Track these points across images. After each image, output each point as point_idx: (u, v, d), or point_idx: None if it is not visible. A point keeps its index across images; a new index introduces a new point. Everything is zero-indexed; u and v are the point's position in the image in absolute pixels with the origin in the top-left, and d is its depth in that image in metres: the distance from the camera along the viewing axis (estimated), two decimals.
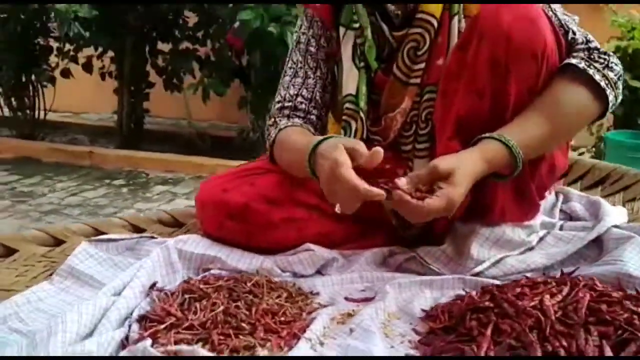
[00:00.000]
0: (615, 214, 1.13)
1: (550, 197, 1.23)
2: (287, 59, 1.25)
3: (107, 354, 0.75)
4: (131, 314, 0.86)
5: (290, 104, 1.19)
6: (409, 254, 1.12)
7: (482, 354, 0.74)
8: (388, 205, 1.18)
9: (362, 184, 0.89)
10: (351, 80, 1.15)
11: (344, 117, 1.16)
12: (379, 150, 0.89)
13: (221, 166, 3.37)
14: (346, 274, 1.08)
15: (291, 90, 1.20)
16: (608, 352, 0.70)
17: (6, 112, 4.18)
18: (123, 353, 0.76)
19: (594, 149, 2.92)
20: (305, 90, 1.20)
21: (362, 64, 1.15)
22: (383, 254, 1.14)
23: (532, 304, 0.79)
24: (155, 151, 3.89)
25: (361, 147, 0.92)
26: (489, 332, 0.77)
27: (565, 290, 0.81)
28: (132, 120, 4.06)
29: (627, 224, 1.11)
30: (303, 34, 1.22)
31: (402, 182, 0.91)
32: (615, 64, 1.03)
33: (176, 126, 4.70)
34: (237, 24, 2.84)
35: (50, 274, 0.98)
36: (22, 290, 0.90)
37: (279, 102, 1.22)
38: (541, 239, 1.12)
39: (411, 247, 1.14)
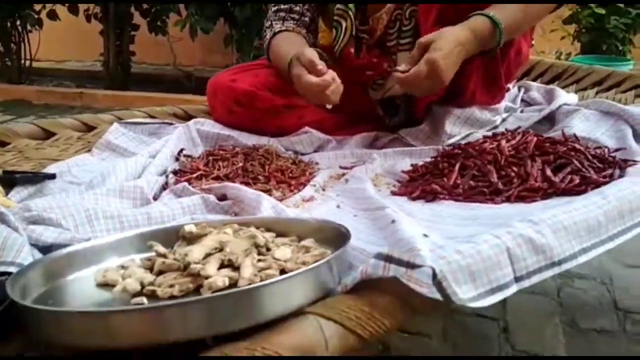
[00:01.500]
0: (566, 97, 1.33)
1: (513, 89, 1.43)
2: None
3: (153, 192, 0.93)
4: (165, 170, 1.04)
5: (286, 6, 1.33)
6: (392, 136, 1.31)
7: (451, 183, 0.94)
8: (374, 96, 1.37)
9: (317, 80, 1.07)
10: None
11: (335, 18, 1.31)
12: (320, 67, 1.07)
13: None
14: (339, 150, 1.26)
15: None
16: (548, 172, 0.90)
17: None
18: (165, 193, 0.95)
19: None
20: None
21: None
22: (370, 137, 1.32)
23: (491, 146, 0.99)
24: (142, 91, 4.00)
25: (312, 56, 1.11)
26: (456, 168, 0.97)
27: (518, 137, 1.01)
28: (118, 63, 4.13)
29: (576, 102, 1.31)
30: None
31: (401, 67, 1.07)
32: None
33: (161, 70, 4.78)
34: None
35: (89, 150, 1.15)
36: None
37: (274, 7, 1.36)
38: (504, 119, 1.31)
39: (394, 131, 1.33)
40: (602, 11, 2.86)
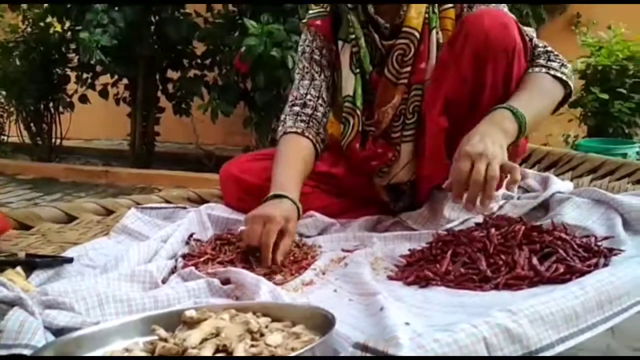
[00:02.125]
0: (560, 184, 1.39)
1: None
2: (295, 68, 1.50)
3: (162, 275, 1.00)
4: (175, 254, 1.11)
5: (300, 101, 1.42)
6: (393, 220, 1.37)
7: (443, 269, 0.99)
8: (380, 182, 1.45)
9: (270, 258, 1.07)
10: (349, 83, 1.39)
11: (343, 115, 1.41)
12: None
13: None
14: (342, 233, 1.32)
15: (301, 90, 1.43)
16: (535, 261, 0.95)
17: (25, 138, 4.49)
18: (173, 276, 1.01)
19: None
20: (313, 90, 1.42)
21: (357, 70, 1.39)
22: (373, 221, 1.39)
23: (481, 234, 1.04)
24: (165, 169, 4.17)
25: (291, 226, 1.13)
26: (448, 254, 1.02)
27: (506, 226, 1.06)
28: (143, 143, 4.34)
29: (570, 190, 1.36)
30: (308, 45, 1.46)
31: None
32: (567, 63, 1.29)
33: (184, 149, 4.99)
34: (243, 49, 3.13)
35: (106, 234, 1.23)
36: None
37: (290, 101, 1.44)
38: (501, 206, 1.37)
39: (395, 215, 1.39)
40: (606, 96, 2.97)
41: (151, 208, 1.31)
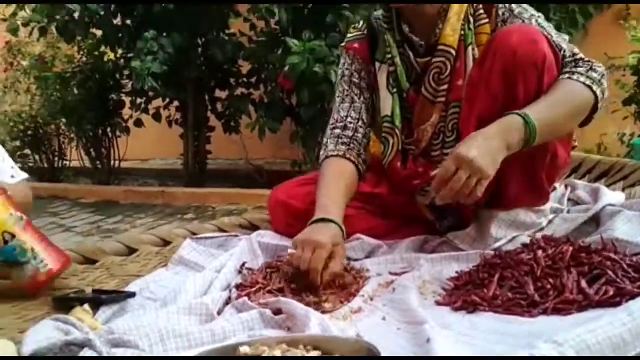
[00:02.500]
0: (611, 196, 1.36)
1: (560, 188, 1.47)
2: (335, 90, 1.53)
3: (217, 307, 1.05)
4: (229, 285, 1.16)
5: (341, 123, 1.45)
6: (440, 239, 1.38)
7: (490, 294, 1.00)
8: (423, 201, 1.46)
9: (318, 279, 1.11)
10: (387, 103, 1.42)
11: (382, 134, 1.44)
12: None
13: None
14: (389, 255, 1.34)
15: (341, 112, 1.46)
16: (583, 284, 0.94)
17: (86, 162, 4.74)
18: (227, 307, 1.06)
19: (627, 157, 3.07)
20: (353, 112, 1.45)
21: (394, 90, 1.41)
22: (420, 241, 1.40)
23: (528, 257, 1.04)
24: (218, 187, 4.30)
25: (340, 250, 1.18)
26: (495, 278, 1.02)
27: (553, 247, 1.06)
28: (196, 162, 4.49)
29: (622, 202, 1.33)
30: (347, 69, 1.49)
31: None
32: (598, 66, 1.26)
33: (235, 165, 5.12)
34: (286, 68, 3.20)
35: (164, 265, 1.30)
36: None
37: (331, 124, 1.47)
38: (550, 221, 1.35)
39: (442, 235, 1.40)
40: None
41: (205, 238, 1.37)
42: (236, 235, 1.42)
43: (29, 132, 4.78)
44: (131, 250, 1.38)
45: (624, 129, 3.13)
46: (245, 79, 4.24)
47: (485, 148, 1.11)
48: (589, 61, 1.27)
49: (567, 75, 1.22)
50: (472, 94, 1.27)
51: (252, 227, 1.51)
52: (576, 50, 1.31)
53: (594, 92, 1.22)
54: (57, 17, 3.37)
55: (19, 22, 3.55)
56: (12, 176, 1.40)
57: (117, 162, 4.78)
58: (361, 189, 1.43)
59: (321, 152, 1.48)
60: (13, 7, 3.78)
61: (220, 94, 4.44)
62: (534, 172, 1.28)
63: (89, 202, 4.34)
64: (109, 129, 4.58)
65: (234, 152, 4.97)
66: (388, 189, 1.46)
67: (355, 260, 1.35)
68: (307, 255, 1.12)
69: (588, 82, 1.22)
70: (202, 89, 4.34)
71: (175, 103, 4.36)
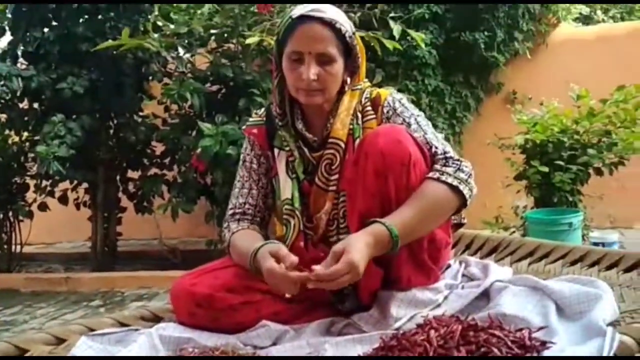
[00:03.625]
0: (499, 272, 1.46)
1: (455, 265, 1.56)
2: (237, 174, 1.59)
3: None
4: None
5: (240, 210, 1.52)
6: (346, 321, 1.41)
7: None
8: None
9: (294, 274, 1.23)
10: (287, 188, 1.48)
11: (284, 217, 1.49)
12: (293, 259, 1.26)
13: None
14: (296, 342, 1.35)
15: (240, 199, 1.53)
16: None
17: None
18: None
19: (521, 227, 3.31)
20: (250, 199, 1.53)
21: (293, 175, 1.49)
22: (326, 324, 1.42)
23: (422, 337, 1.09)
24: (128, 270, 4.12)
25: (282, 250, 1.29)
26: None
27: (445, 326, 1.11)
28: (105, 245, 4.30)
29: (509, 277, 1.43)
30: (247, 154, 1.56)
31: (317, 268, 1.22)
32: (466, 167, 1.36)
33: (148, 245, 4.95)
34: (199, 150, 3.23)
35: None
36: None
37: (231, 209, 1.54)
38: (446, 297, 1.42)
39: (348, 316, 1.43)
40: (546, 169, 3.14)
41: (102, 334, 1.31)
42: (137, 329, 1.37)
43: None
44: (22, 351, 1.29)
45: (519, 201, 3.38)
46: (159, 160, 4.21)
47: (367, 257, 1.22)
48: (458, 160, 1.36)
49: (436, 174, 1.33)
50: (352, 192, 1.36)
51: (156, 319, 1.47)
52: (448, 148, 1.40)
53: (462, 192, 1.32)
54: None
55: None
56: None
57: (18, 247, 4.48)
58: None
59: (226, 235, 1.50)
60: None
61: (133, 174, 4.36)
62: (417, 256, 1.37)
63: None
64: (10, 213, 4.32)
65: (147, 232, 4.83)
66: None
67: (262, 348, 1.34)
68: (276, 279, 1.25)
69: (455, 182, 1.32)
70: (113, 170, 4.24)
71: (84, 185, 4.21)
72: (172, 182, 4.03)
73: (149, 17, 3.93)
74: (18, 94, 3.68)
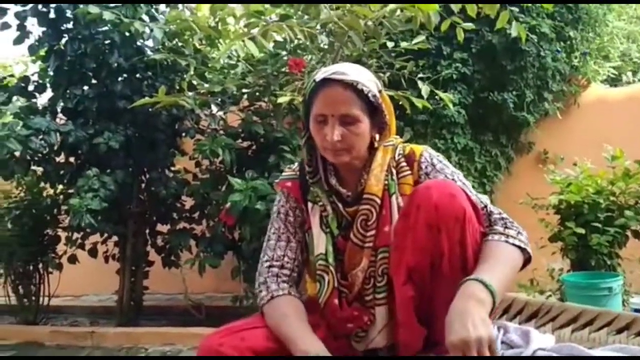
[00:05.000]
0: (541, 339, 1.39)
1: (494, 331, 1.51)
2: (270, 227, 1.56)
3: None
4: None
5: (278, 263, 1.48)
6: None
7: None
8: (358, 347, 1.44)
9: None
10: (321, 242, 1.46)
11: (317, 272, 1.46)
12: None
13: None
14: None
15: (278, 251, 1.49)
16: None
17: (12, 300, 4.43)
18: None
19: (557, 291, 3.19)
20: (289, 251, 1.49)
21: (327, 229, 1.47)
22: None
23: None
24: (153, 326, 4.08)
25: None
26: None
27: None
28: (132, 298, 4.29)
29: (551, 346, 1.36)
30: (282, 206, 1.55)
31: None
32: (522, 231, 1.36)
33: (173, 300, 4.92)
34: (228, 205, 3.24)
35: None
36: None
37: (267, 261, 1.49)
38: None
39: None
40: (582, 231, 3.05)
41: None
42: None
43: None
44: None
45: (554, 263, 3.28)
46: (188, 214, 4.24)
47: (469, 320, 1.13)
48: (514, 222, 1.36)
49: (502, 237, 1.31)
50: (400, 245, 1.33)
51: None
52: (498, 208, 1.41)
53: (527, 254, 1.33)
54: None
55: None
56: None
57: (46, 299, 4.49)
58: None
59: (262, 293, 1.46)
60: None
61: (162, 228, 4.39)
62: None
63: (9, 344, 3.99)
64: (40, 265, 4.37)
65: (173, 287, 4.80)
66: (325, 333, 1.45)
67: None
68: None
69: (522, 245, 1.32)
70: (143, 224, 4.28)
71: (114, 238, 4.25)
72: (200, 236, 4.04)
73: (185, 76, 4.07)
74: (55, 148, 3.79)
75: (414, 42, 3.45)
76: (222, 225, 3.73)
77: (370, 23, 3.25)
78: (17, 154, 3.46)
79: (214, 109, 4.04)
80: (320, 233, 1.48)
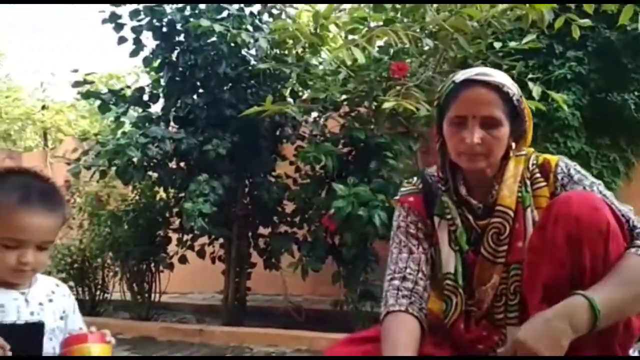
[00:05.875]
0: None
1: (634, 354, 1.39)
2: (391, 242, 1.51)
3: None
4: None
5: (399, 275, 1.42)
6: None
7: None
8: None
9: None
10: (450, 261, 1.41)
11: (445, 292, 1.41)
12: None
13: (318, 339, 3.61)
14: None
15: (399, 264, 1.44)
16: None
17: (127, 296, 4.76)
18: None
19: None
20: (412, 263, 1.43)
21: (457, 247, 1.41)
22: None
23: None
24: (255, 326, 4.20)
25: None
26: None
27: None
28: (236, 299, 4.45)
29: None
30: (402, 221, 1.50)
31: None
32: None
33: (272, 301, 5.04)
34: (332, 211, 3.27)
35: None
36: None
37: (389, 274, 1.45)
38: None
39: None
40: None
41: None
42: None
43: (76, 265, 4.89)
44: None
45: None
46: (289, 218, 4.33)
47: (543, 331, 1.09)
48: None
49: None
50: (536, 260, 1.26)
51: None
52: None
53: None
54: (117, 161, 3.59)
55: (82, 166, 3.80)
56: (80, 328, 1.44)
57: (157, 296, 4.78)
58: (424, 350, 1.37)
59: (382, 307, 1.44)
60: (78, 152, 4.10)
61: (263, 231, 4.52)
62: (607, 344, 1.22)
63: (126, 338, 4.27)
64: (152, 264, 4.65)
65: (272, 288, 4.93)
66: (451, 352, 1.40)
67: None
68: None
69: None
70: (246, 227, 4.43)
71: (220, 240, 4.44)
72: (302, 240, 4.11)
73: (286, 84, 4.18)
74: (168, 154, 4.02)
75: (524, 41, 3.30)
76: (323, 230, 3.77)
77: (475, 24, 3.15)
78: (135, 160, 3.70)
79: (315, 115, 4.10)
80: (450, 251, 1.42)
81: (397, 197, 1.58)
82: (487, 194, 1.41)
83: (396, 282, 1.42)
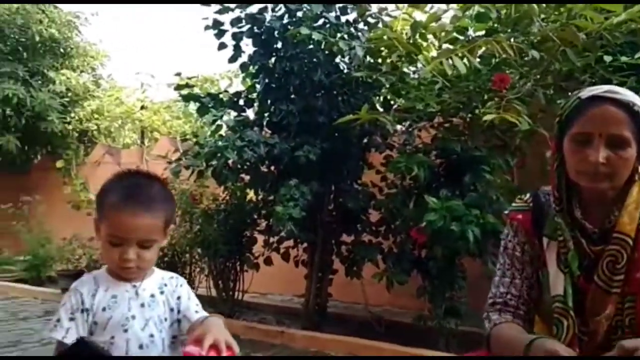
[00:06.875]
0: None
1: None
2: (498, 262, 1.50)
3: None
4: None
5: (500, 300, 1.42)
6: None
7: None
8: None
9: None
10: (558, 282, 1.35)
11: (555, 315, 1.34)
12: None
13: (399, 352, 3.56)
14: None
15: (501, 288, 1.43)
16: None
17: (212, 292, 4.92)
18: None
19: None
20: (513, 289, 1.42)
21: (566, 269, 1.35)
22: None
23: None
24: (334, 333, 4.21)
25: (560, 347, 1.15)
26: None
27: None
28: (316, 303, 4.48)
29: None
30: (510, 241, 1.47)
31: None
32: None
33: (350, 309, 5.03)
34: (423, 224, 3.22)
35: None
36: None
37: (490, 298, 1.45)
38: None
39: None
40: None
41: None
42: None
43: (166, 259, 5.12)
44: None
45: None
46: (373, 227, 4.31)
47: None
48: None
49: None
50: None
51: None
52: None
53: None
54: (214, 162, 3.73)
55: (182, 166, 3.98)
56: (196, 312, 1.48)
57: (240, 294, 4.91)
58: None
59: (486, 326, 1.43)
60: (173, 152, 4.30)
61: (346, 238, 4.53)
62: None
63: None
64: (238, 263, 4.78)
65: (350, 296, 4.92)
66: None
67: None
68: None
69: None
70: (330, 233, 4.46)
71: (304, 244, 4.49)
72: (387, 251, 4.08)
73: (379, 93, 4.17)
74: (261, 158, 4.12)
75: (636, 55, 3.10)
76: (412, 243, 3.72)
77: (584, 36, 3.00)
78: (230, 162, 3.82)
79: (406, 124, 4.06)
80: (558, 272, 1.36)
81: (506, 212, 1.55)
82: (604, 219, 1.34)
83: (498, 306, 1.43)
